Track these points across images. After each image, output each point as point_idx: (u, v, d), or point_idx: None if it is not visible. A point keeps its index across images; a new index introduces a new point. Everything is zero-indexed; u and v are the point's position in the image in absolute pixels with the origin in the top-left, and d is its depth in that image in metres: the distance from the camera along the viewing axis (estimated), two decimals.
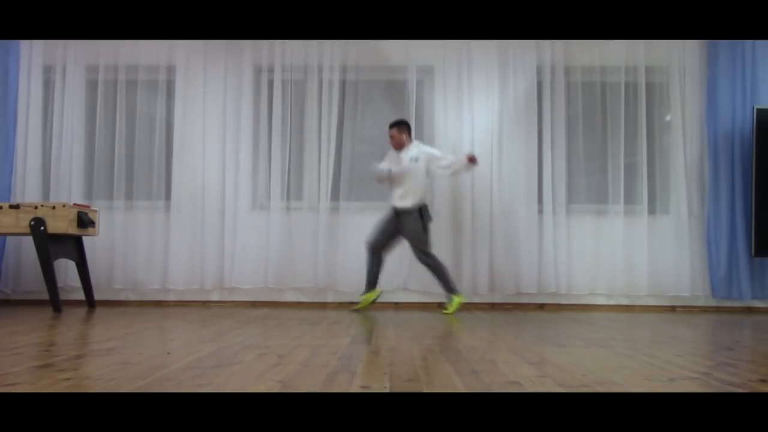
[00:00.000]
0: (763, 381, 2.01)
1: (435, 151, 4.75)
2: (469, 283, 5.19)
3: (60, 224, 4.42)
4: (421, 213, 4.62)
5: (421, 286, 5.18)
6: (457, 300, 4.63)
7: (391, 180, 4.71)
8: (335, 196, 5.28)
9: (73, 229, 4.51)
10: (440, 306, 5.21)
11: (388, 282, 5.11)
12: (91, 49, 5.37)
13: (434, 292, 5.17)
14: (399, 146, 4.73)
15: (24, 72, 5.34)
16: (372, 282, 4.75)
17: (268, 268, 5.20)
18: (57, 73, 5.36)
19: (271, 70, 5.37)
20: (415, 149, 4.70)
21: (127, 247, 5.24)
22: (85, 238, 4.98)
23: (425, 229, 4.65)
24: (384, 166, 4.73)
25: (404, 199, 4.64)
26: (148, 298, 5.28)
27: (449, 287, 4.64)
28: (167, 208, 5.29)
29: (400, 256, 5.13)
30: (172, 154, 5.33)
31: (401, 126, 4.75)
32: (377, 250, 4.73)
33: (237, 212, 5.25)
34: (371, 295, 4.76)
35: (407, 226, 4.62)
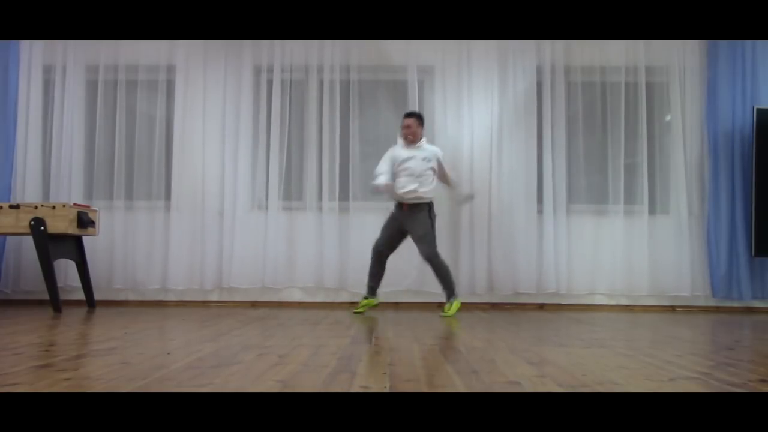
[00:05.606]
0: (763, 381, 2.01)
1: (441, 156, 4.63)
2: (469, 283, 5.19)
3: (60, 224, 4.42)
4: (430, 209, 4.55)
5: (423, 286, 5.18)
6: (456, 304, 4.53)
7: (396, 174, 4.55)
8: (333, 196, 5.28)
9: (73, 229, 4.50)
10: (440, 306, 5.21)
11: (397, 283, 5.11)
12: (91, 49, 5.37)
13: (435, 292, 5.17)
14: (413, 137, 4.56)
15: (24, 72, 5.34)
16: (373, 288, 4.69)
17: (268, 268, 5.20)
18: (57, 73, 5.36)
19: (271, 70, 5.37)
20: (428, 148, 4.59)
21: (127, 247, 5.24)
22: (85, 238, 4.98)
23: (433, 226, 4.55)
24: (381, 180, 4.55)
25: (416, 193, 4.48)
26: (148, 298, 5.28)
27: (451, 290, 4.54)
28: (167, 208, 5.29)
29: (409, 257, 5.12)
30: (172, 154, 5.33)
31: (419, 119, 4.62)
32: (382, 251, 4.63)
33: (236, 212, 5.25)
34: (371, 301, 4.70)
35: (417, 221, 4.48)
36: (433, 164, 4.56)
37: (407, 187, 4.50)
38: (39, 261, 4.40)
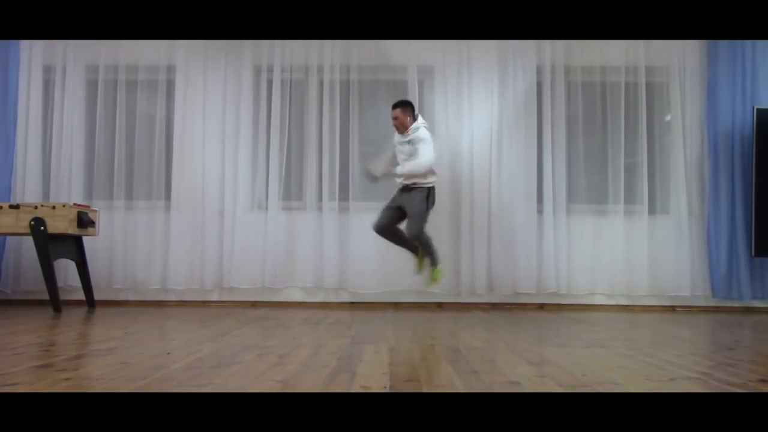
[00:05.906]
0: (763, 381, 2.01)
1: (419, 137, 4.51)
2: (469, 283, 5.19)
3: (60, 224, 4.42)
4: (429, 194, 4.54)
5: (423, 286, 5.17)
6: (440, 269, 4.60)
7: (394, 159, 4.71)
8: (333, 196, 5.28)
9: (73, 229, 4.50)
10: (439, 306, 5.21)
11: (397, 283, 5.11)
12: (91, 49, 5.37)
13: (435, 292, 5.17)
14: (402, 127, 4.55)
15: (24, 72, 5.34)
16: (422, 249, 4.64)
17: (268, 267, 5.20)
18: (57, 73, 5.35)
19: (270, 70, 5.37)
20: (412, 133, 4.53)
21: (127, 247, 5.24)
22: (85, 238, 4.98)
23: (428, 210, 4.55)
24: (376, 168, 4.74)
25: (410, 174, 4.51)
26: (148, 298, 5.27)
27: (434, 258, 4.59)
28: (167, 208, 5.29)
29: (409, 258, 5.10)
30: (172, 154, 5.33)
31: (405, 107, 4.58)
32: (384, 228, 4.62)
33: (236, 212, 5.25)
34: (437, 270, 4.65)
35: (413, 201, 4.51)
36: (414, 146, 4.51)
37: (400, 170, 4.57)
38: (39, 261, 4.39)
